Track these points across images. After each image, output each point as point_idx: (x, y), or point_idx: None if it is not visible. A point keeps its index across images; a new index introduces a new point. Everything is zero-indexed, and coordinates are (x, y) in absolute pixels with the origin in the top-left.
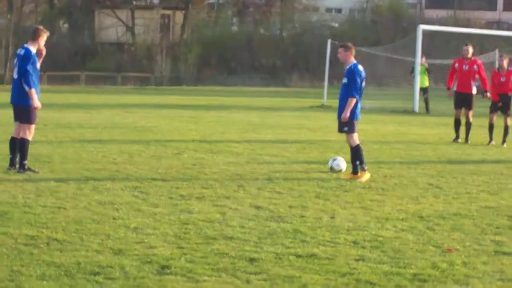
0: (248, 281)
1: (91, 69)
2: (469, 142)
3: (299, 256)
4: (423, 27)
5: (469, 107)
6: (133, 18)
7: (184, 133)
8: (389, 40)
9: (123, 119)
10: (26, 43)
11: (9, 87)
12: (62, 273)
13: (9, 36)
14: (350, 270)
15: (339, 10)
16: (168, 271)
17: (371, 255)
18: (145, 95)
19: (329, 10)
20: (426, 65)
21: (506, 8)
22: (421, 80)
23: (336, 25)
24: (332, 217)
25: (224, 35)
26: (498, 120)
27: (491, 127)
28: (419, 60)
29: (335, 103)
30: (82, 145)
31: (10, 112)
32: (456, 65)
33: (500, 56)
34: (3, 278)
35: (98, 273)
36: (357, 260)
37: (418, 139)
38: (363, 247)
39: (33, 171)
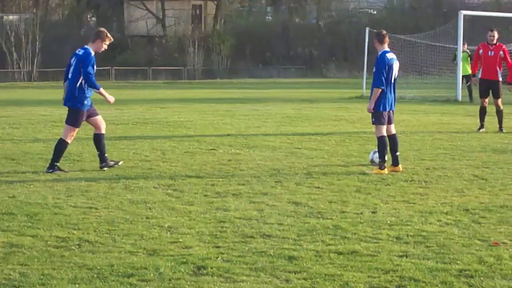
0: (287, 280)
1: (121, 63)
2: (503, 130)
3: (340, 253)
4: (464, 12)
5: (496, 95)
6: (163, 9)
7: (218, 128)
8: (429, 26)
9: (154, 115)
10: (86, 44)
11: (38, 83)
12: (95, 275)
13: (35, 31)
14: (394, 266)
15: None
16: (205, 271)
17: (414, 250)
18: (177, 89)
19: None
20: (469, 52)
21: None
22: (463, 68)
23: (374, 12)
24: (374, 212)
25: (258, 25)
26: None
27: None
28: (461, 47)
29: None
30: (112, 143)
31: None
32: (481, 51)
33: None
34: (34, 282)
35: (131, 275)
36: (401, 256)
37: (461, 129)
38: (407, 243)
39: (63, 170)
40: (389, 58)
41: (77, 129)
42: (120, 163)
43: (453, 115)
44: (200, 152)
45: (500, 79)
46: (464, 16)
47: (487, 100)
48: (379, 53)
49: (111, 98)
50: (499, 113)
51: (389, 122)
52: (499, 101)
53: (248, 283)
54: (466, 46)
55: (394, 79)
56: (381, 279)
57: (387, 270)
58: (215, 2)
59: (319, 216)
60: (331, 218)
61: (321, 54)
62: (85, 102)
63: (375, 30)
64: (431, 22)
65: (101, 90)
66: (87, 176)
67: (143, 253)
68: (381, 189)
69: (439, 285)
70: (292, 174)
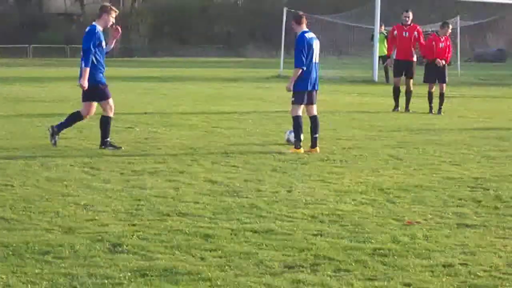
0: (203, 258)
1: (40, 41)
2: (410, 110)
3: (256, 232)
4: None
5: (410, 75)
6: None
7: (136, 106)
8: (348, 7)
9: (73, 93)
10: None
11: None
12: (10, 252)
13: None
14: (308, 245)
15: None
16: (120, 249)
17: (329, 229)
18: None
19: None
20: (385, 33)
21: None
22: (380, 49)
23: None
24: (290, 191)
25: (178, 3)
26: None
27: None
28: (378, 28)
29: (292, 73)
30: (31, 120)
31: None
32: (395, 32)
33: (445, 24)
34: None
35: (47, 252)
36: (316, 235)
37: (377, 109)
38: (322, 222)
39: (115, 147)
40: (308, 37)
41: (110, 100)
42: (122, 148)
43: (369, 96)
44: (117, 130)
45: (415, 59)
46: None
47: (398, 80)
48: (298, 34)
49: (85, 84)
50: (409, 93)
51: (311, 103)
52: (411, 81)
53: (163, 260)
54: (383, 27)
55: (316, 59)
56: (296, 257)
57: (302, 249)
58: None
59: (235, 194)
60: (247, 197)
61: (240, 34)
62: (100, 75)
63: (293, 10)
64: (350, 3)
65: (86, 70)
66: (3, 154)
67: (59, 231)
68: (297, 168)
69: (354, 264)
70: (209, 153)
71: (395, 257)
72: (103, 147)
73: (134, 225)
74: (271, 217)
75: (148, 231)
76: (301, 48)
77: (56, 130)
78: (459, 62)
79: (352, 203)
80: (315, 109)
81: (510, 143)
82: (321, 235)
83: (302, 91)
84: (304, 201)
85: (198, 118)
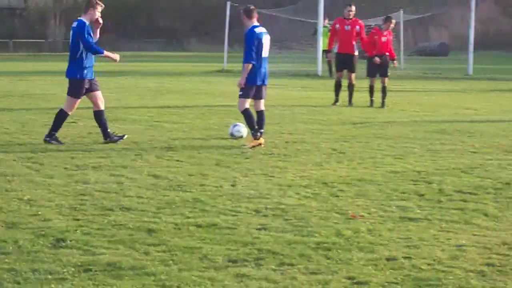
0: (146, 253)
1: None
2: (353, 104)
3: (199, 226)
4: None
5: (351, 69)
6: None
7: (80, 101)
8: (290, 1)
9: (15, 87)
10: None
11: None
12: None
13: None
14: (252, 239)
15: None
16: (64, 244)
17: (273, 223)
18: (40, 62)
19: None
20: (329, 27)
21: None
22: (323, 43)
23: None
24: (233, 185)
25: None
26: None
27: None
28: (322, 22)
29: (235, 67)
30: None
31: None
32: (337, 26)
33: (387, 19)
34: None
35: None
36: (259, 229)
37: (321, 103)
38: (265, 216)
39: (59, 142)
40: (257, 32)
41: (78, 100)
42: (125, 136)
43: (313, 90)
44: None
45: (357, 53)
46: None
47: (341, 74)
48: (248, 28)
49: (116, 56)
50: (351, 86)
51: (259, 97)
52: (353, 75)
53: (107, 255)
54: (327, 21)
55: (266, 54)
56: (240, 251)
57: (246, 243)
58: None
59: (179, 189)
60: (190, 191)
61: (183, 28)
62: (84, 71)
63: (236, 4)
64: None
65: (105, 53)
66: None
67: (2, 226)
68: (241, 163)
69: (297, 258)
70: (152, 147)
71: (339, 251)
72: (47, 139)
73: (77, 220)
74: (214, 212)
75: (91, 226)
76: (250, 43)
77: (54, 135)
78: (402, 56)
79: (296, 197)
80: (262, 104)
81: (452, 137)
82: (264, 229)
83: (251, 85)
84: (247, 195)
85: (141, 113)
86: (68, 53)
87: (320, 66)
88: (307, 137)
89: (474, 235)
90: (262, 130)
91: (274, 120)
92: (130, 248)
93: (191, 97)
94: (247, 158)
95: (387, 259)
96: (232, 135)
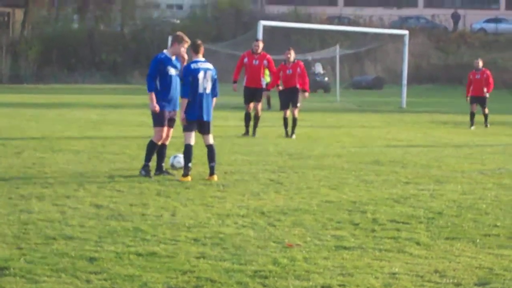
0: (88, 281)
1: None
2: (256, 135)
3: (140, 255)
4: (263, 22)
5: (258, 100)
6: None
7: (24, 132)
8: (230, 35)
9: None
10: None
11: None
12: None
13: None
14: (191, 267)
15: (180, 6)
16: (7, 272)
17: (212, 252)
18: None
19: (170, 6)
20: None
21: (347, 3)
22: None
23: (178, 21)
24: (173, 215)
25: (65, 32)
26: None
27: (292, 121)
28: None
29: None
30: None
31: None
32: (245, 59)
33: (289, 49)
34: None
35: None
36: (198, 257)
37: (259, 134)
38: (204, 244)
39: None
40: (192, 68)
41: (160, 128)
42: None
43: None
44: (5, 155)
45: (264, 86)
46: (264, 26)
47: (251, 106)
48: (186, 64)
49: (155, 107)
50: (256, 118)
51: (203, 132)
52: (259, 106)
53: (49, 283)
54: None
55: (204, 88)
56: (179, 279)
57: (185, 271)
58: (23, 9)
59: (120, 218)
60: (131, 221)
61: (125, 61)
62: (163, 103)
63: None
64: (232, 31)
65: (151, 94)
66: None
67: None
68: (181, 192)
69: (235, 285)
70: (95, 177)
71: (275, 279)
72: (157, 173)
73: (21, 248)
74: (155, 240)
75: (34, 254)
76: (184, 79)
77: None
78: (338, 89)
79: (234, 226)
80: (210, 138)
81: (386, 168)
82: (203, 258)
83: (190, 120)
84: (187, 224)
85: (83, 143)
86: None
87: None
88: (245, 168)
89: (407, 263)
90: (213, 164)
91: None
92: (72, 276)
93: (133, 128)
94: (187, 188)
95: (322, 287)
96: (172, 166)
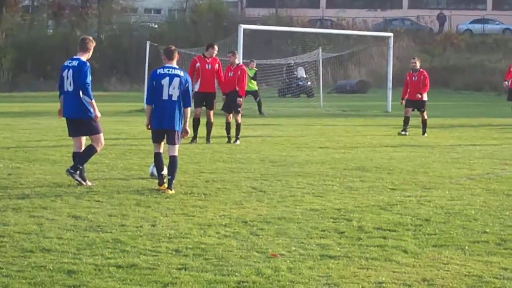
0: None
1: None
2: (210, 142)
3: (120, 267)
4: (244, 26)
5: (210, 107)
6: None
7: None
8: (210, 40)
9: None
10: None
11: None
12: None
13: None
14: (173, 279)
15: (158, 11)
16: None
17: (193, 263)
18: None
19: (148, 10)
20: (256, 69)
21: (329, 5)
22: (247, 84)
23: (156, 26)
24: (153, 225)
25: (40, 38)
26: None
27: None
28: (250, 65)
29: None
30: None
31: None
32: (198, 64)
33: (232, 53)
34: None
35: None
36: (179, 269)
37: (242, 142)
38: (186, 255)
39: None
40: (158, 73)
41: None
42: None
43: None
44: None
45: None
46: (244, 29)
47: (199, 111)
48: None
49: (99, 114)
50: (209, 125)
51: (169, 142)
52: (211, 112)
53: None
54: (254, 64)
55: (169, 95)
56: None
57: (166, 283)
58: None
59: (99, 229)
60: (110, 232)
61: (102, 67)
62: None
63: (155, 44)
64: (211, 35)
65: (93, 102)
66: None
67: None
68: (161, 202)
69: None
70: (72, 187)
71: None
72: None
73: None
74: (135, 252)
75: (11, 268)
76: (149, 85)
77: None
78: (321, 94)
79: (216, 236)
80: (174, 150)
81: (372, 174)
82: (185, 269)
83: (154, 128)
84: (167, 235)
85: (60, 153)
86: None
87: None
88: (227, 176)
89: (394, 272)
90: (170, 177)
91: (194, 159)
92: None
93: (111, 137)
94: (167, 198)
95: None
96: (152, 175)
